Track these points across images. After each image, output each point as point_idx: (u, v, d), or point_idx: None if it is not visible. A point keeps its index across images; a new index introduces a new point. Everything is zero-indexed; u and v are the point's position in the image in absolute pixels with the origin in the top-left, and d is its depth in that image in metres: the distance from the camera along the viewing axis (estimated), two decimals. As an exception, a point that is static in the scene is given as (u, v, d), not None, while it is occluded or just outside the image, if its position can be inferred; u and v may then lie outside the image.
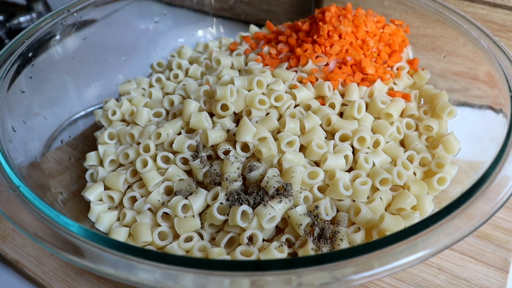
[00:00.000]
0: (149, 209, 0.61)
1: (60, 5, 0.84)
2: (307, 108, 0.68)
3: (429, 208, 0.59)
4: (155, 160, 0.63)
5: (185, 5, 0.96)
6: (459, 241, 0.48)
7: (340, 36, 0.72)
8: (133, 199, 0.63)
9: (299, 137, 0.63)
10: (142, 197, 0.62)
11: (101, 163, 0.69)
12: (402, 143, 0.68)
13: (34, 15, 1.16)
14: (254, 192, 0.58)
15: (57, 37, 0.76)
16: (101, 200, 0.64)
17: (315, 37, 0.72)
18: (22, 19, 1.15)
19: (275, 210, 0.55)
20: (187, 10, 0.97)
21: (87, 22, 0.81)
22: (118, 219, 0.62)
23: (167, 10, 0.94)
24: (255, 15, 1.09)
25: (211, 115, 0.67)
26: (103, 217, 0.61)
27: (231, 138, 0.64)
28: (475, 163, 0.64)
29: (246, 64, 0.76)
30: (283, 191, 0.57)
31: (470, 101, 0.74)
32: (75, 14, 0.76)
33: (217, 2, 0.99)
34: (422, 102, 0.74)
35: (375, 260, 0.45)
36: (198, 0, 0.96)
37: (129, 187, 0.65)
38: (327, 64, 0.71)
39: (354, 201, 0.59)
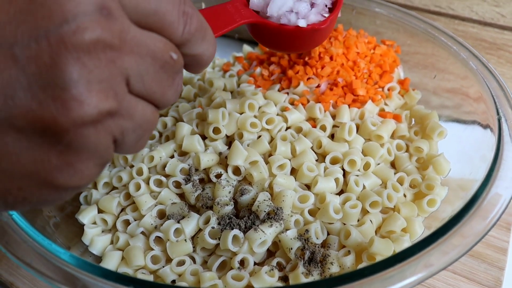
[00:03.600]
0: (142, 232, 0.62)
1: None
2: (298, 130, 0.68)
3: (419, 231, 0.60)
4: (148, 183, 0.64)
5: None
6: (452, 263, 0.49)
7: (331, 58, 0.73)
8: (127, 222, 0.63)
9: (290, 160, 0.64)
10: (135, 220, 0.63)
11: (95, 185, 0.70)
12: (392, 164, 0.69)
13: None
14: (245, 216, 0.59)
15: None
16: (94, 223, 0.65)
17: (306, 58, 0.73)
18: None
19: (266, 234, 0.56)
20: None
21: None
22: (112, 242, 0.63)
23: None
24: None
25: (204, 137, 0.68)
26: (97, 240, 0.62)
27: (223, 161, 0.65)
28: (465, 181, 0.65)
29: (238, 86, 0.76)
30: (274, 215, 0.57)
31: (462, 117, 0.75)
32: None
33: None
34: (413, 122, 0.75)
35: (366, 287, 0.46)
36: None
37: (122, 210, 0.65)
38: (318, 86, 0.72)
39: (344, 224, 0.60)
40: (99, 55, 0.30)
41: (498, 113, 0.62)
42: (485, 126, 0.66)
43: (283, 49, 0.68)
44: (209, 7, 0.55)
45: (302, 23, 0.59)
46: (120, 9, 0.32)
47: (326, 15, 0.61)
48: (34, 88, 0.29)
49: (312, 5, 0.61)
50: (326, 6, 0.62)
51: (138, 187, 0.64)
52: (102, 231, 0.64)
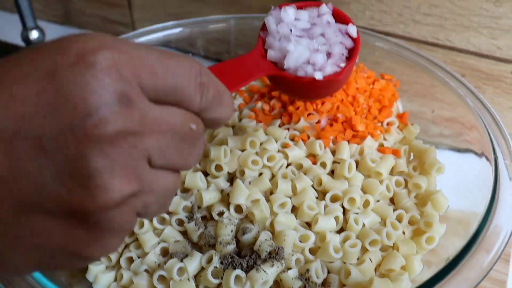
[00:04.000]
0: (146, 270, 0.63)
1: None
2: (299, 167, 0.69)
3: (418, 269, 0.61)
4: (151, 221, 0.65)
5: (179, 47, 0.97)
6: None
7: (331, 94, 0.74)
8: (130, 260, 0.64)
9: (290, 198, 0.65)
10: (138, 257, 0.64)
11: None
12: (391, 199, 0.70)
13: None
14: (247, 255, 0.60)
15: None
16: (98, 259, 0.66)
17: (307, 94, 0.74)
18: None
19: (268, 274, 0.57)
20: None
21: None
22: (116, 279, 0.64)
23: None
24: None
25: (206, 173, 0.69)
26: (101, 277, 0.63)
27: (225, 198, 0.66)
28: (464, 214, 0.66)
29: (240, 120, 0.78)
30: (275, 255, 0.58)
31: (462, 146, 0.76)
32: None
33: (212, 46, 1.01)
34: (411, 156, 0.76)
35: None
36: (191, 42, 0.97)
37: (126, 247, 0.66)
38: (318, 121, 0.73)
39: (344, 263, 0.61)
40: (121, 144, 0.32)
41: (494, 153, 0.63)
42: (481, 155, 0.68)
43: (301, 97, 0.70)
44: (228, 60, 0.56)
45: (318, 76, 0.59)
46: (139, 92, 0.34)
47: (343, 64, 0.62)
48: (62, 176, 0.31)
49: (329, 54, 0.61)
50: (343, 54, 0.62)
51: (141, 225, 0.65)
52: (106, 268, 0.65)
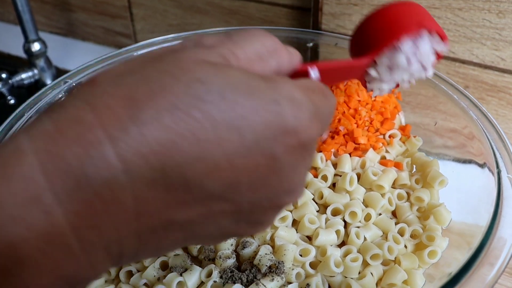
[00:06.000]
0: (145, 284, 0.62)
1: (62, 62, 0.83)
2: (300, 180, 0.69)
3: (420, 283, 0.60)
4: (151, 234, 0.64)
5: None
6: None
7: (332, 106, 0.73)
8: (130, 273, 0.64)
9: (291, 211, 0.65)
10: (138, 271, 0.63)
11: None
12: (393, 213, 0.69)
13: (36, 71, 1.18)
14: (247, 269, 0.59)
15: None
16: (98, 273, 0.65)
17: (308, 107, 0.74)
18: (24, 75, 1.17)
19: (267, 289, 0.56)
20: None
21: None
22: (115, 293, 0.63)
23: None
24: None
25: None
26: (100, 291, 0.62)
27: (226, 211, 0.65)
28: (466, 226, 0.65)
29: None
30: (275, 269, 0.58)
31: (466, 157, 0.75)
32: (74, 84, 0.78)
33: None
34: (414, 169, 0.75)
35: None
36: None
37: (125, 260, 0.66)
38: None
39: (345, 277, 0.60)
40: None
41: (497, 167, 0.62)
42: (484, 167, 0.67)
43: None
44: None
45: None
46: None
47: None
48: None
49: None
50: None
51: (141, 238, 0.64)
52: (105, 281, 0.65)
